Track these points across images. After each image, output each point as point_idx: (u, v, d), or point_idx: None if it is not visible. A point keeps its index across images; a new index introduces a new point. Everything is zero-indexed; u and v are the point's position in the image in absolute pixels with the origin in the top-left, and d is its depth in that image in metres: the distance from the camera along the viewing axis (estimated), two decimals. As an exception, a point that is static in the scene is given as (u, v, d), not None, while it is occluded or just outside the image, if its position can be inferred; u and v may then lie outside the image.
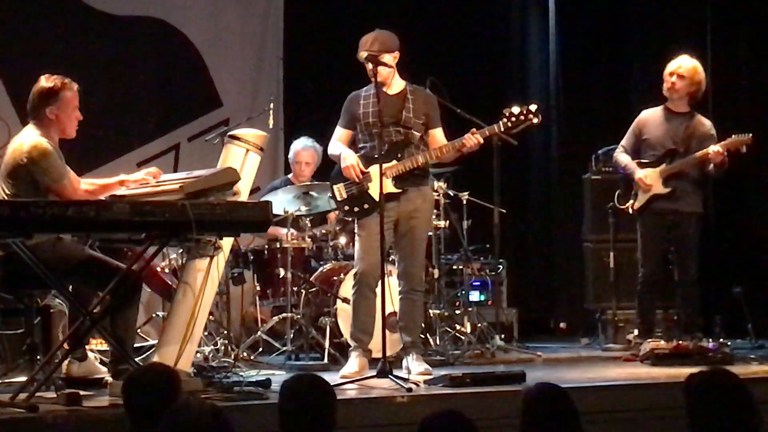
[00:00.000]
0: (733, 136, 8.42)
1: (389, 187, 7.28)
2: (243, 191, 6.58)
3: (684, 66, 8.51)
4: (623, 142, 8.73)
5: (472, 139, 7.26)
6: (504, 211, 9.37)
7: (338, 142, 7.49)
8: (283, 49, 10.65)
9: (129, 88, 9.97)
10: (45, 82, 6.65)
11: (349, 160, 7.34)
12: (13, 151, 6.53)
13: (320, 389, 4.28)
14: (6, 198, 6.43)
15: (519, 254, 11.24)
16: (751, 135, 8.41)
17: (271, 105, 8.91)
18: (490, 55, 11.58)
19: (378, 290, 7.12)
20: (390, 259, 7.72)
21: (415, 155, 7.31)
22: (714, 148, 8.32)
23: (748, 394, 4.08)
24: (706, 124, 8.57)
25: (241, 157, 6.73)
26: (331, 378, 4.71)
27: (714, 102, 10.10)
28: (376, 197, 7.14)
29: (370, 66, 7.23)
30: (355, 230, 7.51)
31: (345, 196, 7.43)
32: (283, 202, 8.58)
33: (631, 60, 11.24)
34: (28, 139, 6.51)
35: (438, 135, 7.45)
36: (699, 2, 10.81)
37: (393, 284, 7.55)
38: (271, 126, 8.68)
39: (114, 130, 9.80)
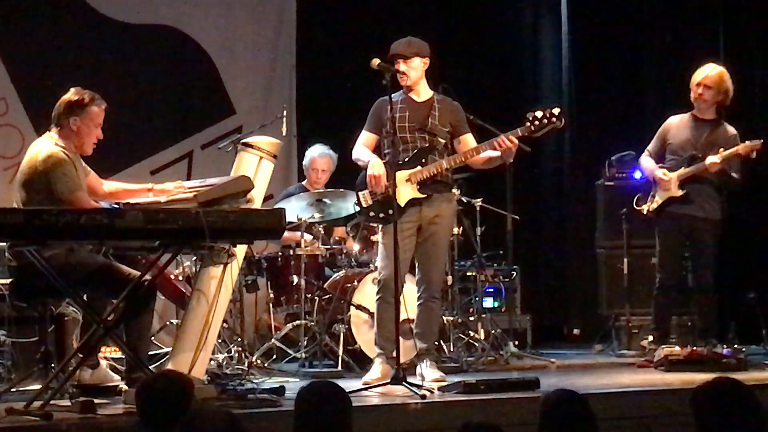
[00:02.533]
0: (746, 142, 8.40)
1: (414, 192, 7.30)
2: (256, 199, 6.59)
3: (710, 76, 8.47)
4: (649, 146, 8.73)
5: (505, 140, 7.22)
6: (517, 217, 9.38)
7: (364, 147, 7.49)
8: (296, 57, 10.66)
9: (142, 96, 9.98)
10: (74, 94, 6.72)
11: (376, 169, 7.33)
12: (29, 159, 6.59)
13: (336, 397, 4.28)
14: (21, 206, 6.47)
15: (532, 261, 11.23)
16: (761, 141, 8.39)
17: (284, 112, 8.89)
18: (502, 62, 11.58)
19: (400, 297, 7.12)
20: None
21: (439, 161, 7.32)
22: (710, 159, 8.31)
23: (755, 402, 4.06)
24: (730, 132, 8.53)
25: (255, 164, 6.74)
26: (345, 384, 4.70)
27: (726, 108, 10.09)
28: (402, 203, 7.20)
29: (401, 67, 7.28)
30: (379, 238, 7.50)
31: (371, 202, 7.42)
32: (296, 209, 8.59)
33: (644, 66, 11.23)
34: (45, 147, 6.57)
35: (469, 140, 7.46)
36: (712, 8, 10.80)
37: (409, 291, 7.55)
38: (284, 133, 8.67)
39: (127, 139, 9.80)
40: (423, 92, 7.49)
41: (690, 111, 8.61)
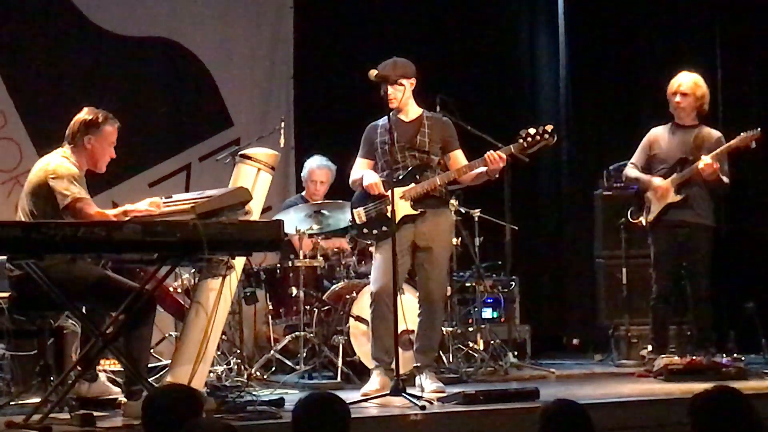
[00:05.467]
0: (741, 134, 8.41)
1: (408, 209, 7.33)
2: (254, 210, 6.59)
3: (685, 83, 8.54)
4: (633, 159, 8.74)
5: (494, 155, 7.26)
6: (515, 227, 9.38)
7: (359, 170, 7.53)
8: (294, 69, 10.67)
9: (140, 109, 9.95)
10: (88, 113, 6.76)
11: (371, 178, 7.38)
12: (39, 169, 6.62)
13: (334, 407, 4.27)
14: (28, 217, 6.49)
15: (531, 271, 11.22)
16: (759, 129, 8.40)
17: (282, 124, 8.91)
18: (500, 73, 11.58)
19: (398, 308, 7.11)
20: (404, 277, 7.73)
21: (432, 178, 7.34)
22: (705, 160, 8.33)
23: (753, 411, 4.06)
24: (714, 134, 8.59)
25: (253, 176, 6.75)
26: (345, 396, 4.70)
27: (724, 114, 10.11)
28: (396, 220, 7.19)
29: (389, 90, 7.28)
30: (374, 253, 7.52)
31: (365, 219, 7.46)
32: (294, 220, 8.59)
33: (641, 76, 11.23)
34: (55, 159, 6.61)
35: (458, 156, 7.49)
36: (708, 16, 10.82)
37: (406, 302, 7.55)
38: (282, 145, 8.69)
39: (125, 151, 9.68)
40: (411, 111, 7.51)
41: (671, 121, 8.66)
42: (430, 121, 7.49)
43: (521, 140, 7.32)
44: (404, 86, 7.37)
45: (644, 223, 8.66)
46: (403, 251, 7.28)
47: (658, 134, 8.68)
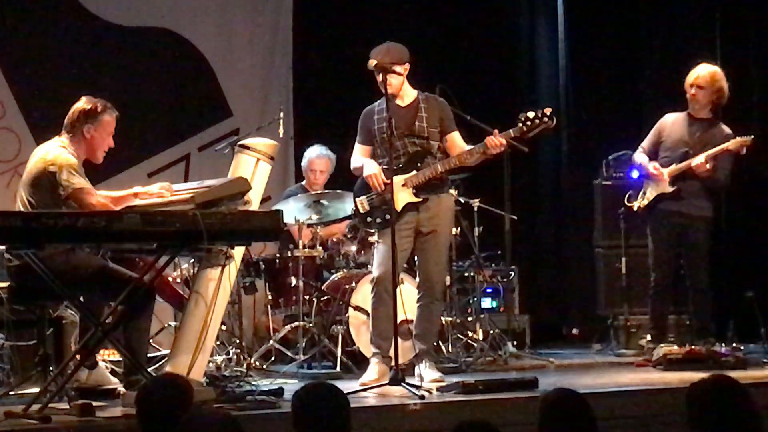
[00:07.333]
0: (737, 138, 8.43)
1: (410, 196, 7.32)
2: (254, 200, 6.60)
3: (702, 75, 8.54)
4: (643, 143, 8.77)
5: (495, 140, 7.26)
6: (515, 217, 9.37)
7: (359, 156, 7.52)
8: (293, 58, 10.65)
9: (139, 99, 9.94)
10: (86, 102, 6.77)
11: (372, 168, 7.36)
12: (37, 160, 6.61)
13: (333, 397, 4.28)
14: (26, 206, 6.48)
15: (530, 261, 11.23)
16: (752, 137, 8.42)
17: (281, 114, 8.90)
18: (499, 62, 11.57)
19: (398, 298, 7.12)
20: (404, 266, 7.73)
21: (434, 164, 7.33)
22: (698, 160, 8.34)
23: (749, 401, 4.07)
24: (725, 132, 8.56)
25: (252, 166, 6.75)
26: (344, 386, 4.70)
27: (724, 108, 10.09)
28: (398, 207, 7.23)
29: (380, 77, 7.26)
30: (376, 240, 7.52)
31: (367, 208, 7.45)
32: (294, 210, 8.58)
33: (642, 65, 11.23)
34: (54, 149, 6.61)
35: (456, 138, 7.47)
36: (709, 8, 10.80)
37: (406, 292, 7.55)
38: (281, 135, 8.67)
39: (124, 141, 9.67)
40: (407, 96, 7.48)
41: (686, 111, 8.65)
42: (426, 104, 7.46)
43: (521, 124, 7.31)
44: (400, 73, 7.35)
45: (636, 208, 8.68)
46: (406, 238, 7.29)
47: (669, 121, 8.69)
